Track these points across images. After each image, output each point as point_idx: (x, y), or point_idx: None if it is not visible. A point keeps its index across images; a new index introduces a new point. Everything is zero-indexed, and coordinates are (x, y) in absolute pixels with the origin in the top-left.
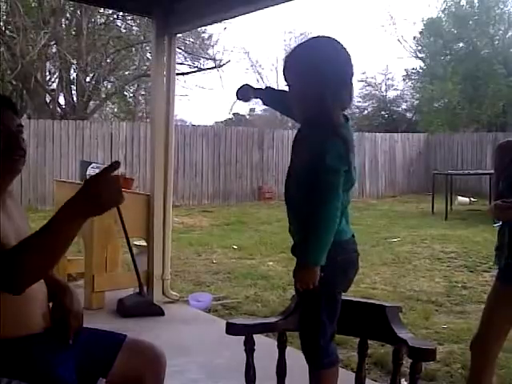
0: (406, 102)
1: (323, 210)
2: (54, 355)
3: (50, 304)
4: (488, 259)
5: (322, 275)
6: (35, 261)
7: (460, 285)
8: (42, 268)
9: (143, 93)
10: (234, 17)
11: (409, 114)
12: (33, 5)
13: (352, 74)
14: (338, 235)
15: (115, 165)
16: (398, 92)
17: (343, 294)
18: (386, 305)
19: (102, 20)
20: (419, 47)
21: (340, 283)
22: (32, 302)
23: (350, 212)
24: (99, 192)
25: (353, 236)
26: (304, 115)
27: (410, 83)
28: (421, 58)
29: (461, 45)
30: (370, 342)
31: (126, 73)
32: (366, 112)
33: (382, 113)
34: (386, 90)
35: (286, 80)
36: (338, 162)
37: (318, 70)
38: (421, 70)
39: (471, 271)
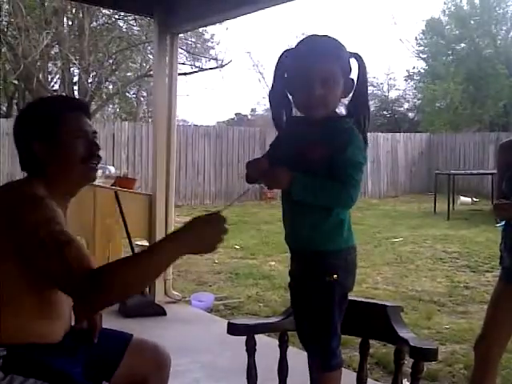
0: (408, 101)
1: (344, 197)
2: (68, 357)
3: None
4: (490, 259)
5: (335, 278)
6: (125, 283)
7: (462, 285)
8: (128, 291)
9: (145, 93)
10: (235, 17)
11: (411, 114)
12: (35, 5)
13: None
14: (351, 240)
15: (222, 218)
16: (400, 92)
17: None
18: (388, 304)
19: (104, 20)
20: (421, 47)
21: (349, 284)
22: (61, 316)
23: (353, 212)
24: (204, 233)
25: None
26: (322, 110)
27: (411, 83)
28: (423, 58)
29: (462, 45)
30: (371, 341)
31: (128, 73)
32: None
33: (384, 113)
34: (388, 90)
35: (299, 75)
36: (360, 153)
37: (335, 62)
38: (423, 70)
39: (473, 271)
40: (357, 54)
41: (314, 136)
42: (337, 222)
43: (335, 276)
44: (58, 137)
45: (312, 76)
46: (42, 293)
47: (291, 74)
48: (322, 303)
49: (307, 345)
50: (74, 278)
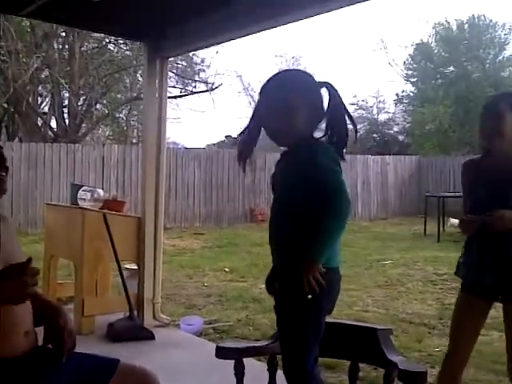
0: (398, 124)
1: (333, 210)
2: (42, 379)
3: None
4: None
5: (309, 298)
6: None
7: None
8: None
9: (135, 116)
10: (225, 41)
11: (400, 137)
12: (25, 29)
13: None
14: (329, 261)
15: (26, 263)
16: (390, 115)
17: (333, 317)
18: (378, 327)
19: (95, 44)
20: (410, 71)
21: (326, 305)
22: (14, 321)
23: (343, 234)
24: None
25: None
26: (289, 139)
27: (401, 106)
28: (412, 82)
29: (451, 68)
30: (362, 365)
31: (118, 96)
32: (357, 134)
33: (374, 135)
34: (378, 113)
35: (265, 109)
36: (331, 162)
37: (298, 96)
38: (412, 94)
39: None
40: (327, 83)
41: (286, 163)
42: (306, 241)
43: (309, 296)
44: None
45: (269, 111)
46: None
47: (259, 109)
48: (294, 323)
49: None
50: None
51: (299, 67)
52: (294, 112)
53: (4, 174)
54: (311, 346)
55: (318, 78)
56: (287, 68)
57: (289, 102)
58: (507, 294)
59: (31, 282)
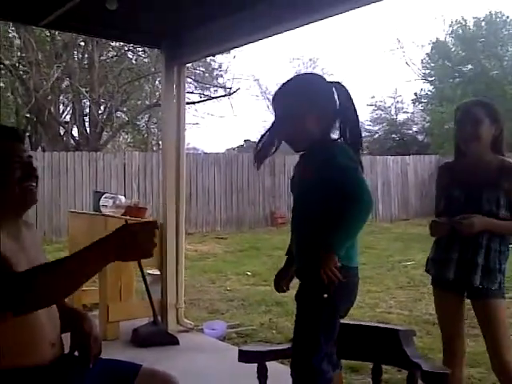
0: (417, 124)
1: (353, 202)
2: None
3: (65, 334)
4: (506, 281)
5: (325, 296)
6: (51, 286)
7: None
8: (54, 294)
9: (155, 122)
10: (242, 45)
11: (420, 137)
12: (45, 40)
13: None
14: (348, 260)
15: (155, 223)
16: (408, 115)
17: (357, 319)
18: (400, 329)
19: (114, 53)
20: (427, 70)
21: (342, 306)
22: (39, 332)
23: (365, 236)
24: (135, 233)
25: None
26: (303, 143)
27: (419, 106)
28: (429, 81)
29: (469, 67)
30: (387, 367)
31: (138, 103)
32: (376, 135)
33: (393, 136)
34: (396, 114)
35: (280, 115)
36: (349, 161)
37: (303, 101)
38: (430, 93)
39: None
40: (336, 82)
41: (303, 166)
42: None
43: (325, 295)
44: None
45: (275, 117)
46: None
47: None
48: (307, 318)
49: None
50: None
51: (316, 69)
52: (300, 118)
53: (34, 184)
54: (322, 344)
55: (331, 79)
56: (300, 72)
57: (294, 108)
58: (471, 290)
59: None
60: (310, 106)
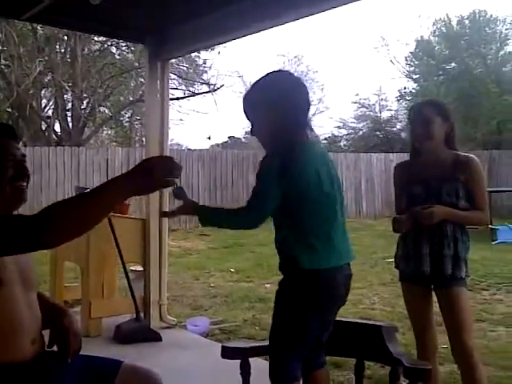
0: (401, 122)
1: (239, 212)
2: (42, 379)
3: (45, 331)
4: (486, 277)
5: (290, 300)
6: (73, 219)
7: None
8: (77, 227)
9: (138, 118)
10: (227, 41)
11: (403, 134)
12: (27, 33)
13: (305, 102)
14: (314, 262)
15: (170, 158)
16: (392, 112)
17: (339, 315)
18: (382, 325)
19: (97, 47)
20: (412, 68)
21: (310, 308)
22: (19, 328)
23: (349, 233)
24: (152, 166)
25: (341, 266)
26: (264, 147)
27: (403, 103)
28: (413, 79)
29: (453, 65)
30: (370, 363)
31: (121, 98)
32: (360, 133)
33: (377, 133)
34: (380, 111)
35: (247, 118)
36: (267, 173)
37: (268, 106)
38: (414, 91)
39: (470, 290)
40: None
41: None
42: (293, 243)
43: (285, 294)
44: None
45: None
46: None
47: None
48: (279, 317)
49: None
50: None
51: (301, 66)
52: (262, 125)
53: (25, 183)
54: (289, 342)
55: (316, 76)
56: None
57: (255, 116)
58: (440, 281)
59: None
60: (266, 113)
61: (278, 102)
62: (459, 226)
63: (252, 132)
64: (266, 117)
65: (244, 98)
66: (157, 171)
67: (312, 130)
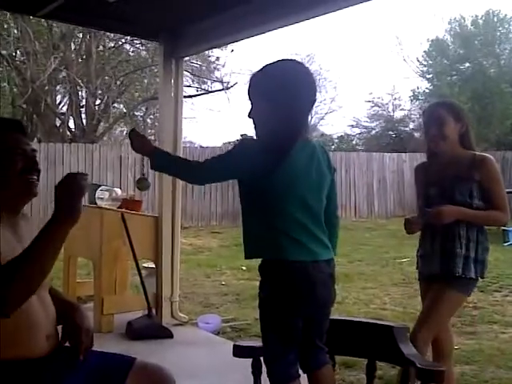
0: (414, 121)
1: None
2: (61, 379)
3: (59, 327)
4: (498, 279)
5: (262, 296)
6: (24, 278)
7: (471, 305)
8: (30, 284)
9: (152, 115)
10: (242, 39)
11: (416, 134)
12: (43, 30)
13: (310, 97)
14: (279, 252)
15: (74, 175)
16: (406, 112)
17: (349, 315)
18: (394, 325)
19: (111, 44)
20: (425, 67)
21: (284, 307)
22: (34, 325)
23: (360, 232)
24: (59, 196)
25: (315, 262)
26: (255, 131)
27: (417, 103)
28: (427, 79)
29: (467, 65)
30: (381, 363)
31: (135, 95)
32: (373, 132)
33: (390, 133)
34: (393, 110)
35: (248, 98)
36: (241, 152)
37: (270, 94)
38: (427, 90)
39: (482, 291)
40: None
41: None
42: (265, 229)
43: (262, 295)
44: None
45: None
46: None
47: None
48: (260, 318)
49: None
50: None
51: (313, 65)
52: (253, 104)
53: (35, 177)
54: (270, 343)
55: (329, 75)
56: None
57: (250, 97)
58: (450, 280)
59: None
60: (266, 100)
61: (279, 93)
62: (475, 226)
63: (249, 114)
64: (266, 104)
65: (250, 79)
66: (64, 200)
67: (307, 132)
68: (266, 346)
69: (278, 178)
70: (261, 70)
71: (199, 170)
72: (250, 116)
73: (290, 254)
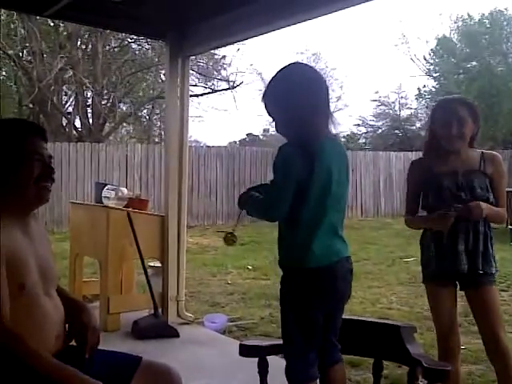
0: (420, 120)
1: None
2: None
3: (67, 326)
4: (506, 278)
5: (284, 291)
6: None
7: None
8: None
9: (158, 115)
10: (246, 39)
11: (423, 133)
12: (49, 30)
13: (325, 98)
14: (301, 262)
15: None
16: (412, 111)
17: (356, 315)
18: (401, 325)
19: (117, 43)
20: (432, 66)
21: (307, 301)
22: (46, 326)
23: (366, 231)
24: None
25: (339, 259)
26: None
27: (423, 102)
28: (434, 77)
29: (474, 63)
30: (387, 363)
31: (141, 94)
32: (379, 131)
33: (396, 131)
34: (400, 109)
35: (269, 115)
36: (283, 164)
37: (285, 101)
38: (434, 89)
39: None
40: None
41: None
42: (288, 240)
43: (281, 286)
44: (17, 158)
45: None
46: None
47: None
48: (281, 315)
49: None
50: None
51: (319, 64)
52: (274, 119)
53: (50, 184)
54: (294, 339)
55: (335, 74)
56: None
57: (268, 108)
58: (473, 279)
59: None
60: (275, 109)
61: (296, 94)
62: (487, 222)
63: (276, 129)
64: (287, 110)
65: (264, 95)
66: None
67: (334, 123)
68: (287, 342)
69: (316, 178)
70: (271, 81)
71: (270, 207)
72: (277, 130)
73: (321, 261)
